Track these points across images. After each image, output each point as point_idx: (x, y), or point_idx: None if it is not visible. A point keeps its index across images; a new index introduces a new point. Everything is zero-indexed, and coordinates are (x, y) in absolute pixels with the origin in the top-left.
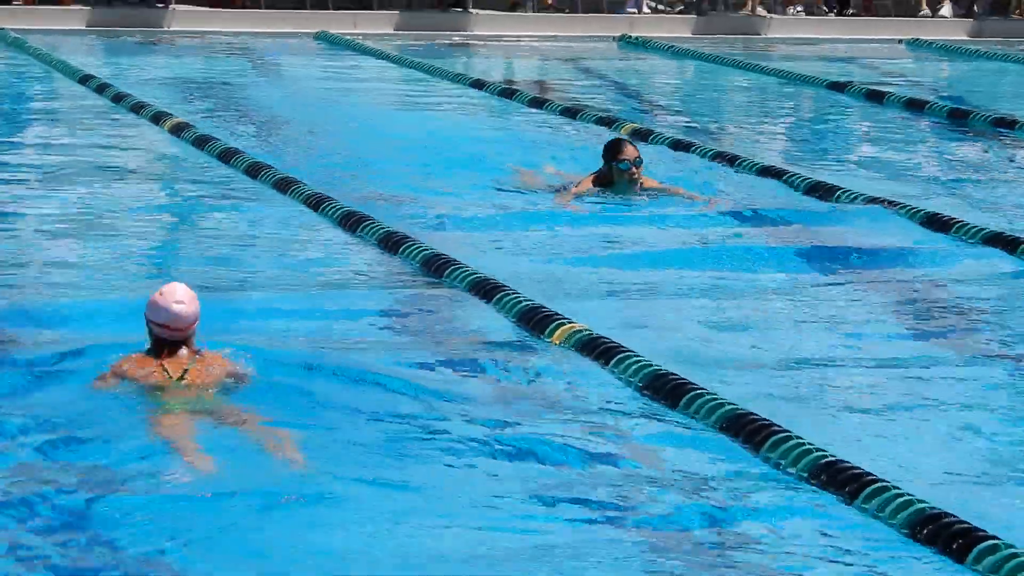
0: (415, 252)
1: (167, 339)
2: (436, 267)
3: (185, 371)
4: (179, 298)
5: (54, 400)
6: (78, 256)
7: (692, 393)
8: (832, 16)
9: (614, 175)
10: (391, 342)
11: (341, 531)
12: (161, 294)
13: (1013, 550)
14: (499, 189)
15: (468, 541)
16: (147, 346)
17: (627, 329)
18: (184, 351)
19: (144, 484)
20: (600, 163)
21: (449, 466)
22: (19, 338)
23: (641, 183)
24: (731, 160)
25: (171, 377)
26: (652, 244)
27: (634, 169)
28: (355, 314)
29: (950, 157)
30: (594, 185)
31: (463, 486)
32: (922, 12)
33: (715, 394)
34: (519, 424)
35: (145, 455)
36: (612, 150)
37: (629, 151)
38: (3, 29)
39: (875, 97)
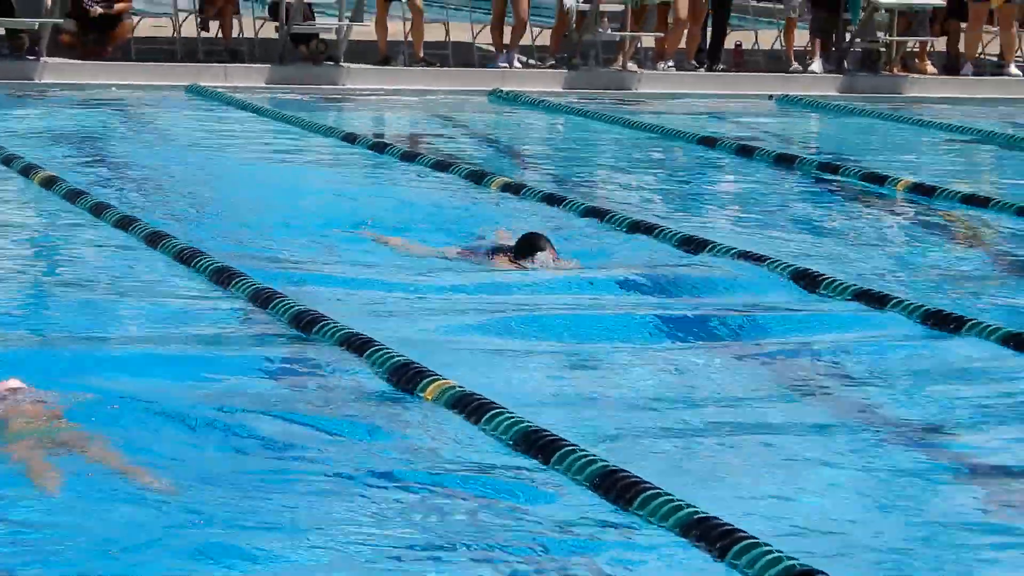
0: (284, 308)
1: None
2: (305, 323)
3: None
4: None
5: None
6: None
7: (565, 449)
8: (703, 72)
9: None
10: (261, 394)
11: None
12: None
13: None
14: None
15: None
16: None
17: (496, 388)
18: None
19: None
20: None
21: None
22: None
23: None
24: (602, 215)
25: None
26: (531, 309)
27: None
28: (223, 367)
29: (819, 212)
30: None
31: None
32: (792, 68)
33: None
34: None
35: None
36: (526, 249)
37: (543, 256)
38: None
39: (745, 152)
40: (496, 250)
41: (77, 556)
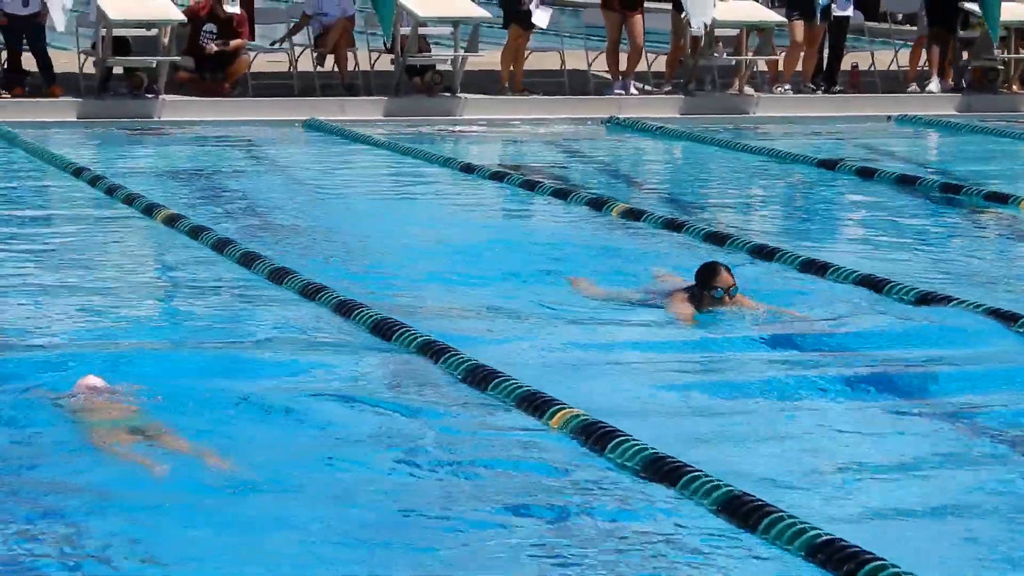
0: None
1: None
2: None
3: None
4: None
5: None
6: (73, 342)
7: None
8: (819, 94)
9: (705, 302)
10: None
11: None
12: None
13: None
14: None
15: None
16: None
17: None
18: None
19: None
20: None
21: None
22: None
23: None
24: (722, 239)
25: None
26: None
27: (727, 299)
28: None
29: (942, 232)
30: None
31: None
32: (910, 88)
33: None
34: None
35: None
36: (706, 276)
37: (724, 279)
38: None
39: (866, 174)
40: (674, 290)
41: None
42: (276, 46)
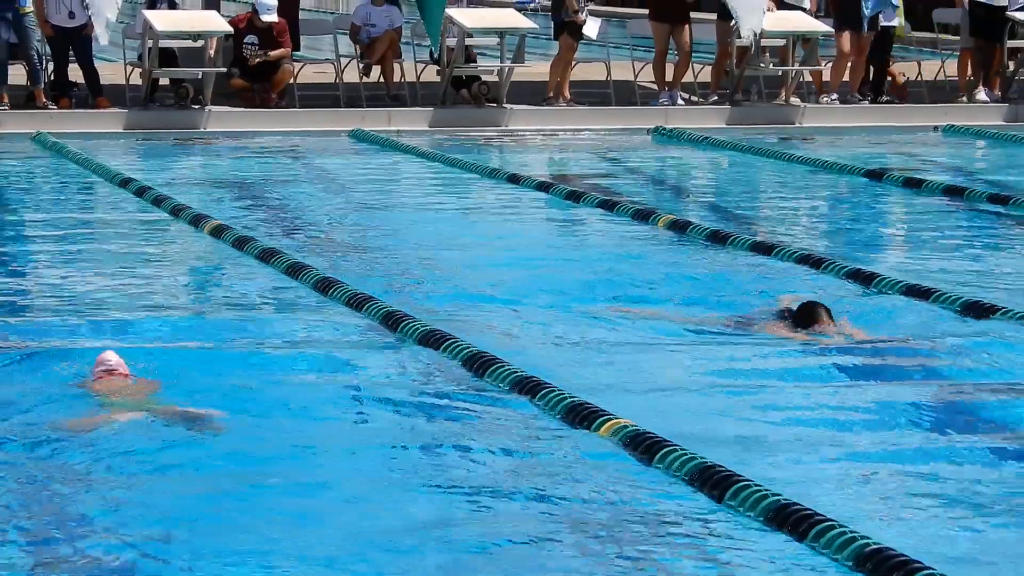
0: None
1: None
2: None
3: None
4: (108, 358)
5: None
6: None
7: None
8: (866, 104)
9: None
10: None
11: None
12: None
13: None
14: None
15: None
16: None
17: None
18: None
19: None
20: None
21: None
22: None
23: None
24: (768, 250)
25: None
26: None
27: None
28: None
29: (990, 242)
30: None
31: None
32: (960, 97)
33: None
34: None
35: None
36: (807, 319)
37: (825, 324)
38: (42, 133)
39: (913, 184)
40: (775, 317)
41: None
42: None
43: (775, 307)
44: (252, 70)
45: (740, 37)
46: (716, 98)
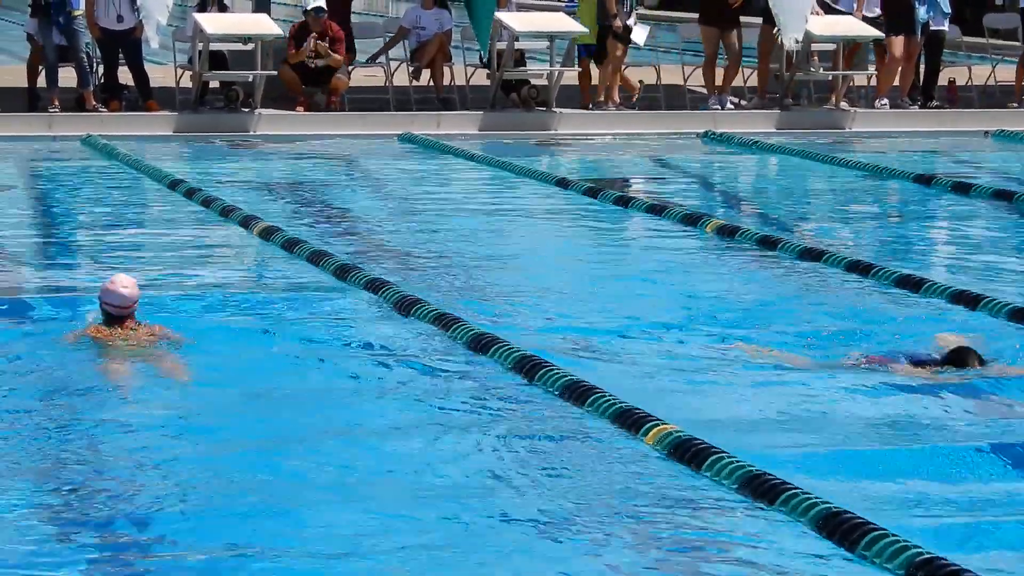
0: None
1: (115, 315)
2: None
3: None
4: (124, 284)
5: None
6: None
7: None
8: (916, 109)
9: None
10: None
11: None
12: (111, 282)
13: None
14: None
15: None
16: (102, 320)
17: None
18: (129, 322)
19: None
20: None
21: None
22: None
23: None
24: (818, 255)
25: (118, 339)
26: None
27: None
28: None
29: None
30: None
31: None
32: (1010, 104)
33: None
34: None
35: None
36: (958, 363)
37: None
38: (92, 136)
39: (961, 189)
40: (920, 361)
41: None
42: (372, 63)
43: (925, 347)
44: (311, 73)
45: (784, 44)
46: (762, 102)
